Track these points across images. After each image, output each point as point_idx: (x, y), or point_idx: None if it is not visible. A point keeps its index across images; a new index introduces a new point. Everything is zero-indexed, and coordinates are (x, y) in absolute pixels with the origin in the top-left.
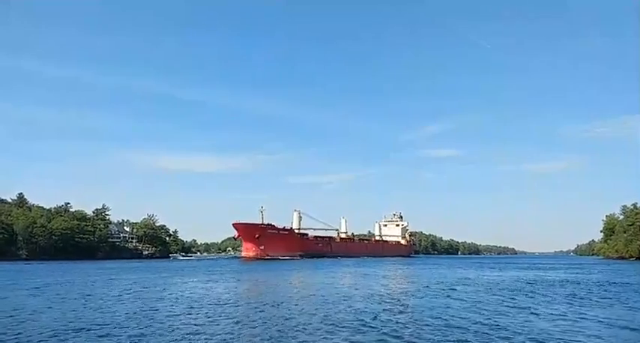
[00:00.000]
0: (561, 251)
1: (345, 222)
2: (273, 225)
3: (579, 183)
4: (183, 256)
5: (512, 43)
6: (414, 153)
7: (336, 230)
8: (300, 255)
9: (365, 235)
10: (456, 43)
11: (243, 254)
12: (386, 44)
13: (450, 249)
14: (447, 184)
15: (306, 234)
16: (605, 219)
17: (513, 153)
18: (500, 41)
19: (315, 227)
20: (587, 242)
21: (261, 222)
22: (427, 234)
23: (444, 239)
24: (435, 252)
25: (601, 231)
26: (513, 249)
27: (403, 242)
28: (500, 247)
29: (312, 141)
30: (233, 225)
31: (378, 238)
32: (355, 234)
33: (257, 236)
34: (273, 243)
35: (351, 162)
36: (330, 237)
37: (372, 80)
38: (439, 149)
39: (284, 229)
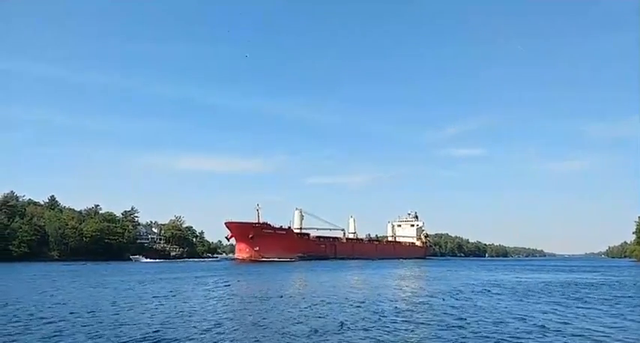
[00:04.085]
0: (592, 253)
1: (354, 221)
2: (269, 224)
3: (610, 183)
4: (145, 258)
5: (533, 40)
6: (435, 153)
7: (342, 230)
8: (299, 257)
9: (385, 236)
10: (476, 42)
11: (237, 255)
12: (405, 45)
13: (477, 251)
14: (471, 185)
15: (308, 234)
16: (637, 220)
17: (536, 152)
18: (521, 39)
19: (319, 227)
20: (620, 243)
21: (256, 221)
22: (453, 236)
23: (470, 241)
24: (462, 255)
25: (633, 233)
26: (542, 250)
27: (418, 243)
28: (528, 249)
29: (331, 143)
30: (225, 224)
31: (390, 239)
32: (379, 235)
33: (251, 236)
34: (268, 243)
35: (371, 163)
36: (335, 238)
37: (390, 81)
38: (461, 149)
39: (281, 228)
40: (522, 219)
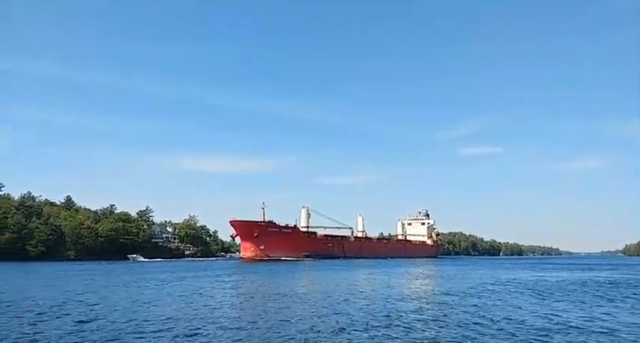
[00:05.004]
0: (609, 251)
1: (363, 220)
2: (274, 223)
3: (626, 181)
4: (144, 257)
5: (533, 40)
6: (437, 153)
7: (350, 228)
8: (305, 256)
9: (395, 235)
10: (476, 42)
11: (242, 254)
12: (405, 45)
13: (492, 250)
14: (481, 184)
15: (314, 233)
16: None
17: (537, 151)
18: (521, 39)
19: (326, 225)
20: (637, 241)
21: (261, 219)
22: (467, 234)
23: (485, 239)
24: (476, 253)
25: None
26: (558, 249)
27: (429, 242)
28: (544, 247)
29: (331, 143)
30: (230, 222)
31: (400, 237)
32: (391, 234)
33: (255, 234)
34: (274, 242)
35: (371, 163)
36: (343, 236)
37: (391, 82)
38: (467, 148)
39: (287, 227)
40: (537, 218)
